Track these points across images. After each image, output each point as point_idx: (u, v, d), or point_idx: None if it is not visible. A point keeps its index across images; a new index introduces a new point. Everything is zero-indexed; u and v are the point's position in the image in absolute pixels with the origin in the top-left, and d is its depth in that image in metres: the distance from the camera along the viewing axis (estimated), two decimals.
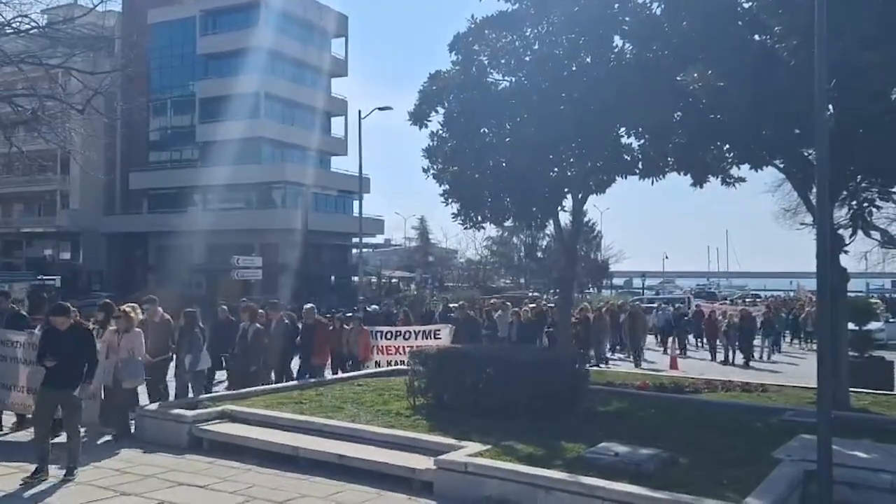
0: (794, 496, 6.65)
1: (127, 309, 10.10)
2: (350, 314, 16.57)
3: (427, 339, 15.15)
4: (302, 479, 7.48)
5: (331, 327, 14.54)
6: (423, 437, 8.18)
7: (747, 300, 45.22)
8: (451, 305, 25.24)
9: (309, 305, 14.09)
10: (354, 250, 51.81)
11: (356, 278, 44.71)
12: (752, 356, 21.87)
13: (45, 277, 41.67)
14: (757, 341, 23.09)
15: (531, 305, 23.79)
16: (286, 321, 13.53)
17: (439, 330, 15.57)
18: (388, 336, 15.59)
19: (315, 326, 13.52)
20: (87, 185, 50.43)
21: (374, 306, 33.60)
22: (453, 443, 7.78)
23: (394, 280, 61.49)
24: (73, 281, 45.81)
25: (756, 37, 10.33)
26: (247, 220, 48.86)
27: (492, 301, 29.36)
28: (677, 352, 22.82)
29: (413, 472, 7.26)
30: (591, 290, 59.60)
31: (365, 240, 47.09)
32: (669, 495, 6.08)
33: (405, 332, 15.64)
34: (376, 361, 15.04)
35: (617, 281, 77.57)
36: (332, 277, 54.53)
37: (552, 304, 24.29)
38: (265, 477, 7.59)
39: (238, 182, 49.01)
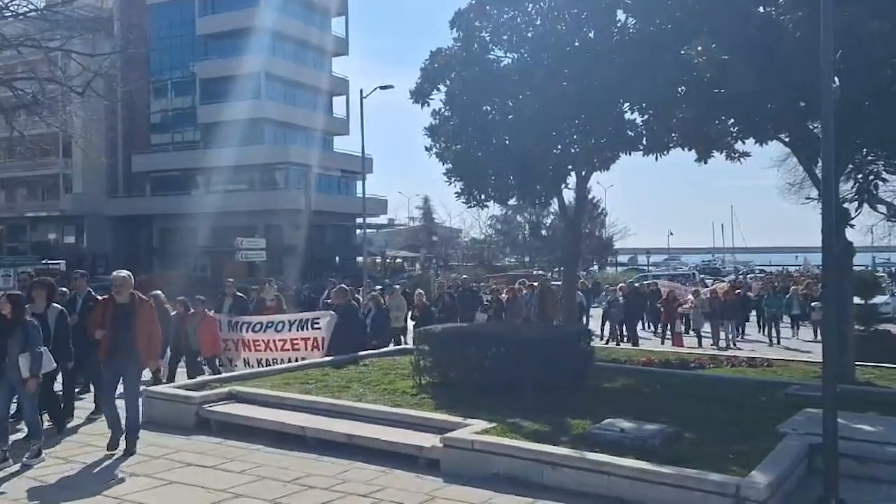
0: (799, 470, 6.68)
1: None
2: (202, 297, 13.08)
3: (304, 329, 12.81)
4: (310, 459, 7.52)
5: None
6: (429, 416, 8.20)
7: (748, 276, 45.20)
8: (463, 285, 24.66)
9: (80, 271, 10.48)
10: (358, 231, 51.84)
11: (360, 258, 44.76)
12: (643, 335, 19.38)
13: (49, 261, 41.71)
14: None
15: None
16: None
17: (318, 318, 13.05)
18: (257, 328, 13.10)
19: (89, 303, 9.61)
20: (90, 168, 50.40)
21: (378, 287, 33.59)
22: (460, 420, 7.80)
23: (398, 260, 61.59)
24: (78, 264, 45.84)
25: (760, 9, 10.18)
26: (250, 202, 48.88)
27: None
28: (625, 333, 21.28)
29: (420, 451, 7.29)
30: (595, 267, 59.56)
31: (369, 220, 47.10)
32: (675, 470, 6.11)
33: (277, 324, 13.12)
34: (245, 360, 12.88)
35: (622, 258, 77.59)
36: (337, 258, 54.62)
37: (553, 283, 23.89)
38: (273, 457, 7.63)
39: (240, 164, 48.93)
